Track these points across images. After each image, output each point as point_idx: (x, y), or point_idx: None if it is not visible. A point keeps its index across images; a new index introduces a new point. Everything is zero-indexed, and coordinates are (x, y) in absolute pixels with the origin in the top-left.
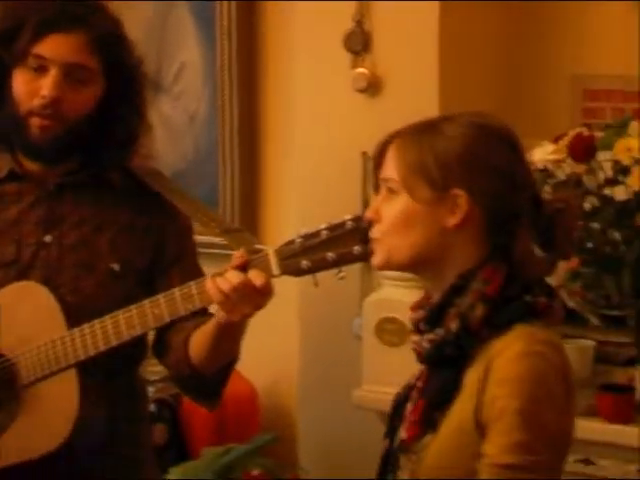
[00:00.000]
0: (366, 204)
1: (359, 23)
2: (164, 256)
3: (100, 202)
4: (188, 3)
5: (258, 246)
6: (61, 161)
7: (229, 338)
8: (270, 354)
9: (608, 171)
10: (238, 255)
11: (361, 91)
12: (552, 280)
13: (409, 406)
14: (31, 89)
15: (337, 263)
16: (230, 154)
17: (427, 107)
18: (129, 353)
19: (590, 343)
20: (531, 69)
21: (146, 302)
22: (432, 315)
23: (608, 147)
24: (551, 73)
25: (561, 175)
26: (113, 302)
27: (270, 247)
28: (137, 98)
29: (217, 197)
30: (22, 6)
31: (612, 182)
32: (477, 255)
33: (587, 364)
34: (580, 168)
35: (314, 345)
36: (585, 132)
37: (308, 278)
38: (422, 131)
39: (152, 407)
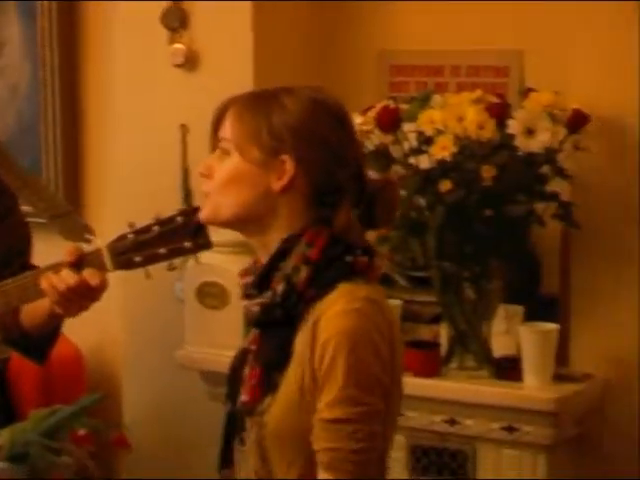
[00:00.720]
0: (186, 176)
1: (176, 0)
2: None
3: None
4: None
5: (88, 236)
6: None
7: (61, 316)
8: (95, 317)
9: (413, 141)
10: (72, 251)
11: (178, 66)
12: None
13: (247, 369)
14: None
15: (168, 257)
16: (52, 127)
17: (242, 82)
18: None
19: (397, 302)
20: (340, 46)
21: None
22: (260, 279)
23: (413, 119)
24: (359, 50)
25: (370, 145)
26: None
27: (102, 244)
28: None
29: (40, 169)
30: None
31: (417, 151)
32: (301, 222)
33: None
34: (387, 138)
35: (137, 308)
36: (391, 105)
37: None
38: (261, 98)
39: None
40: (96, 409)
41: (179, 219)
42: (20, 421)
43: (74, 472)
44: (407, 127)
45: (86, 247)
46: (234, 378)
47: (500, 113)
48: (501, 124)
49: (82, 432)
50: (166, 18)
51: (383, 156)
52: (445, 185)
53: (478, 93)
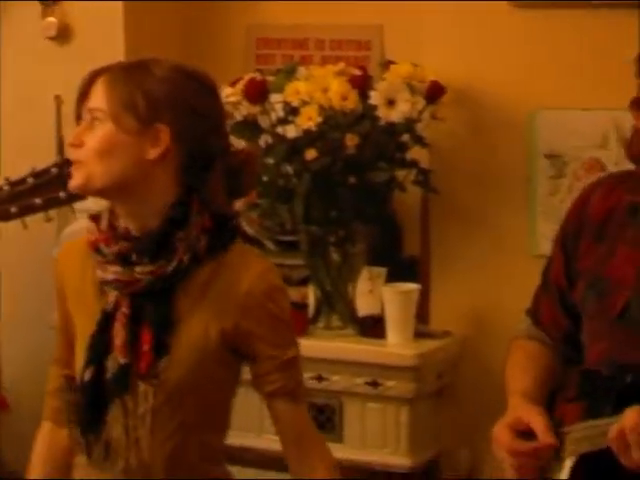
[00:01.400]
0: (61, 144)
1: None
2: None
3: None
4: None
5: None
6: None
7: None
8: None
9: (280, 112)
10: None
11: (51, 39)
12: None
13: (120, 333)
14: None
15: (44, 208)
16: None
17: (114, 53)
18: None
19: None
20: (209, 20)
21: None
22: (151, 247)
23: (279, 90)
24: (228, 24)
25: (238, 116)
26: None
27: None
28: None
29: None
30: None
31: (284, 121)
32: (173, 190)
33: None
34: (255, 109)
35: (13, 273)
36: (258, 77)
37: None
38: (132, 68)
39: None
40: None
41: (53, 170)
42: None
43: None
44: (274, 98)
45: None
46: (99, 342)
47: (362, 85)
48: (363, 95)
49: None
50: None
51: (251, 126)
52: (311, 153)
53: (341, 66)
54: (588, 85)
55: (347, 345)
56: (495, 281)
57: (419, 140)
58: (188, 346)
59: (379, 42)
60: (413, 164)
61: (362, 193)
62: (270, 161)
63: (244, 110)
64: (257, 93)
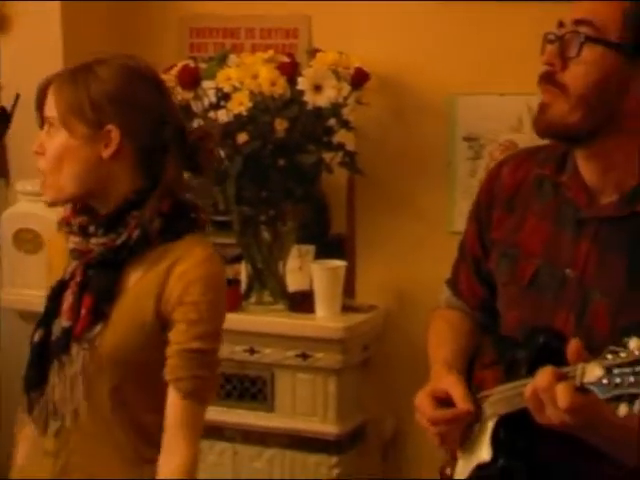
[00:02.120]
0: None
1: None
2: None
3: None
4: None
5: None
6: None
7: None
8: None
9: (212, 97)
10: None
11: None
12: None
13: (69, 298)
14: None
15: None
16: None
17: (51, 46)
18: None
19: None
20: (144, 11)
21: None
22: (108, 222)
23: (211, 77)
24: (163, 14)
25: None
26: None
27: None
28: None
29: None
30: None
31: (216, 107)
32: (135, 183)
33: None
34: (188, 95)
35: None
36: (191, 64)
37: None
38: (78, 72)
39: None
40: None
41: None
42: None
43: None
44: (206, 84)
45: None
46: (51, 307)
47: (290, 71)
48: (291, 81)
49: None
50: None
51: (185, 111)
52: (242, 137)
53: (270, 53)
54: (504, 72)
55: (278, 319)
56: (417, 257)
57: (345, 124)
58: (125, 317)
59: (307, 31)
60: (340, 147)
61: (291, 175)
62: None
63: (178, 96)
64: (190, 79)
